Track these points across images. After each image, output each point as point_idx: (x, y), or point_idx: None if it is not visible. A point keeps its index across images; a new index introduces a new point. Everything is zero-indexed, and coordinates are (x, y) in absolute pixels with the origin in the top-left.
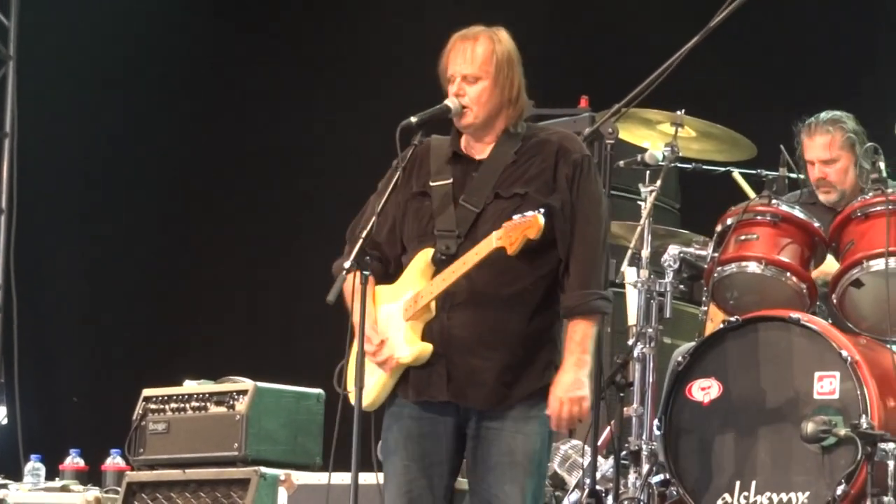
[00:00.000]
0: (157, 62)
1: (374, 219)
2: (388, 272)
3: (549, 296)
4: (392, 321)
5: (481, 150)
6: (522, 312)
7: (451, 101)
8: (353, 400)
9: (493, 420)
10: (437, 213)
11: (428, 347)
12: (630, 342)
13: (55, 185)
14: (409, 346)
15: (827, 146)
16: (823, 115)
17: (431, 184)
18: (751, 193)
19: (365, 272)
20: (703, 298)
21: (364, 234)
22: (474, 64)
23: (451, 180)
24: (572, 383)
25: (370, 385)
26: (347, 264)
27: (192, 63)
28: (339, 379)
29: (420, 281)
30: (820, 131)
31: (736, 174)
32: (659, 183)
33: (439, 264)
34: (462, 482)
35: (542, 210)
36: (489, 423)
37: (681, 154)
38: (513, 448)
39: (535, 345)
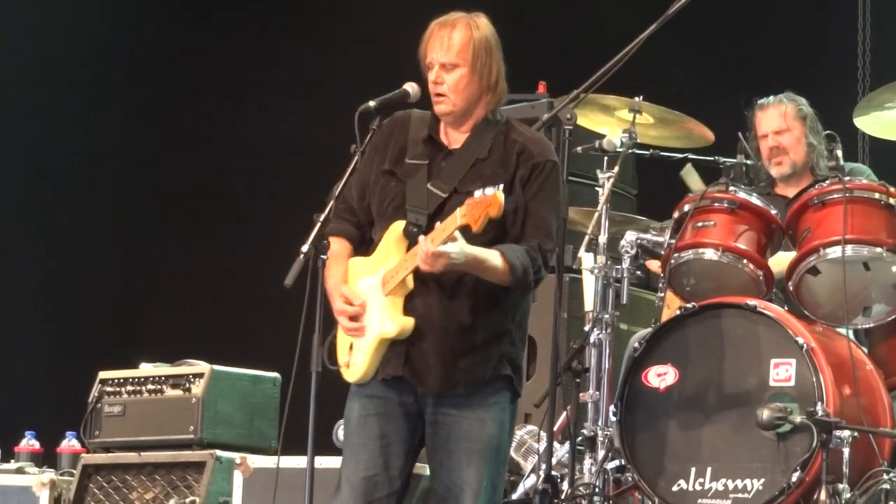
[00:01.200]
0: (113, 48)
1: (332, 202)
2: (365, 238)
3: (498, 289)
4: (371, 295)
5: (457, 139)
6: (469, 300)
7: (409, 86)
8: (346, 375)
9: (451, 406)
10: (409, 191)
11: (410, 321)
12: (586, 328)
13: (11, 170)
14: (392, 321)
15: (781, 115)
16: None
17: (407, 161)
18: (697, 187)
19: (322, 256)
20: (660, 285)
21: (322, 217)
22: (451, 52)
23: (426, 162)
24: (453, 245)
25: (358, 360)
26: (305, 248)
27: (150, 48)
28: (329, 355)
29: (395, 254)
30: (774, 104)
31: (686, 171)
32: (616, 169)
33: (411, 237)
34: (420, 467)
35: (500, 186)
36: (446, 409)
37: (638, 140)
38: (470, 434)
39: (489, 335)
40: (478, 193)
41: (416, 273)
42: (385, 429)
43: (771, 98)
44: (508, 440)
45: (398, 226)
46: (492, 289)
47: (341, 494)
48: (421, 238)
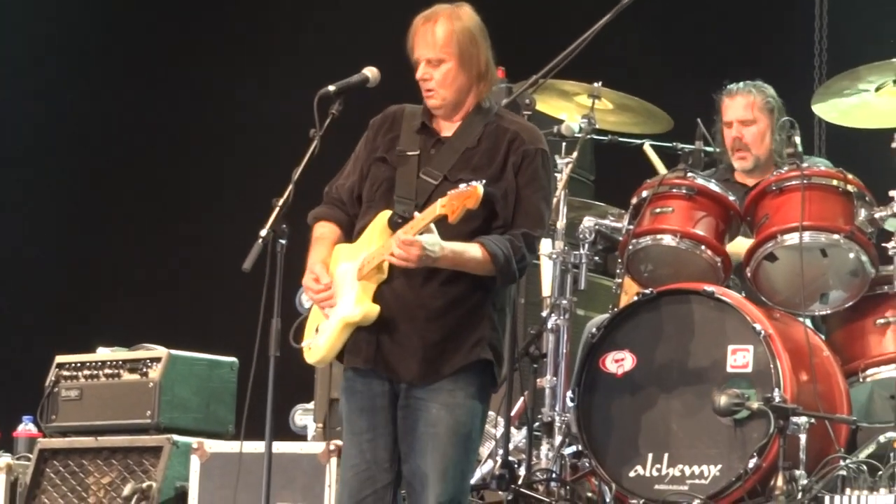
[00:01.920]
0: (69, 34)
1: (290, 187)
2: (354, 227)
3: (476, 276)
4: (346, 279)
5: (449, 128)
6: (443, 286)
7: (368, 71)
8: (307, 356)
9: (422, 392)
10: (399, 180)
11: (375, 308)
12: (544, 313)
13: None
14: (358, 306)
15: (748, 106)
16: (745, 81)
17: (398, 153)
18: (660, 167)
19: (281, 240)
20: (618, 271)
21: (281, 202)
22: (435, 47)
23: (417, 152)
24: (427, 236)
25: (320, 343)
26: (263, 232)
27: (106, 33)
28: (296, 334)
29: (377, 241)
30: (742, 92)
31: (647, 147)
32: (575, 155)
33: (395, 227)
34: None
35: (483, 181)
36: (418, 393)
37: (597, 126)
38: (438, 419)
39: (464, 322)
40: (462, 186)
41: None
42: (371, 422)
43: (741, 84)
44: (480, 428)
45: (384, 215)
46: (469, 276)
47: (340, 492)
48: (399, 231)
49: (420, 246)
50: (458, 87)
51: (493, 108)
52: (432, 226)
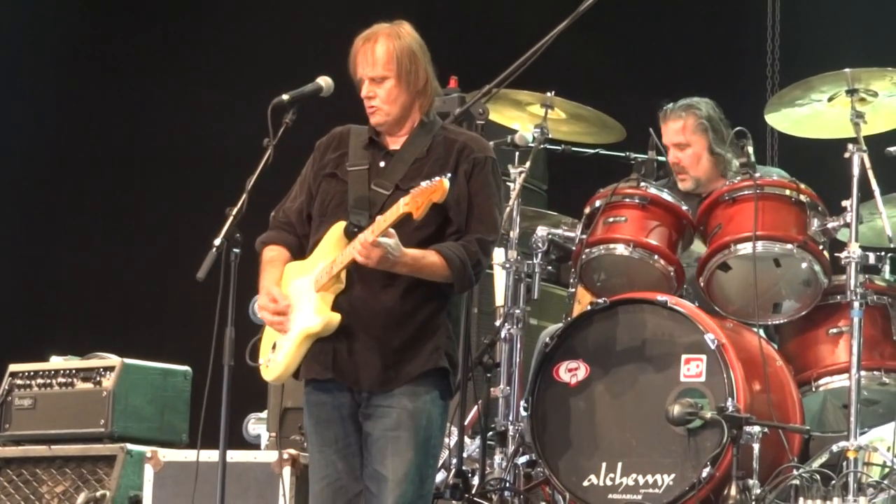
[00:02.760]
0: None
1: (244, 196)
2: (304, 249)
3: (432, 285)
4: (303, 294)
5: (396, 142)
6: (400, 294)
7: (322, 80)
8: (264, 374)
9: (382, 399)
10: (351, 193)
11: (336, 317)
12: (497, 323)
13: None
14: (319, 315)
15: (680, 130)
16: (680, 101)
17: (349, 168)
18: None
19: (235, 249)
20: (571, 280)
21: (234, 211)
22: (376, 65)
23: (367, 166)
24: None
25: (279, 358)
26: (217, 241)
27: (57, 40)
28: (252, 352)
29: (333, 252)
30: (673, 116)
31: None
32: (528, 164)
33: (351, 236)
34: None
35: (448, 175)
36: (378, 400)
37: (550, 136)
38: (398, 424)
39: (421, 329)
40: (425, 182)
41: (349, 270)
42: (337, 433)
43: (672, 106)
44: (439, 435)
45: (339, 226)
46: (426, 284)
47: None
48: (361, 235)
49: (383, 247)
50: (402, 103)
51: (437, 122)
52: (393, 231)
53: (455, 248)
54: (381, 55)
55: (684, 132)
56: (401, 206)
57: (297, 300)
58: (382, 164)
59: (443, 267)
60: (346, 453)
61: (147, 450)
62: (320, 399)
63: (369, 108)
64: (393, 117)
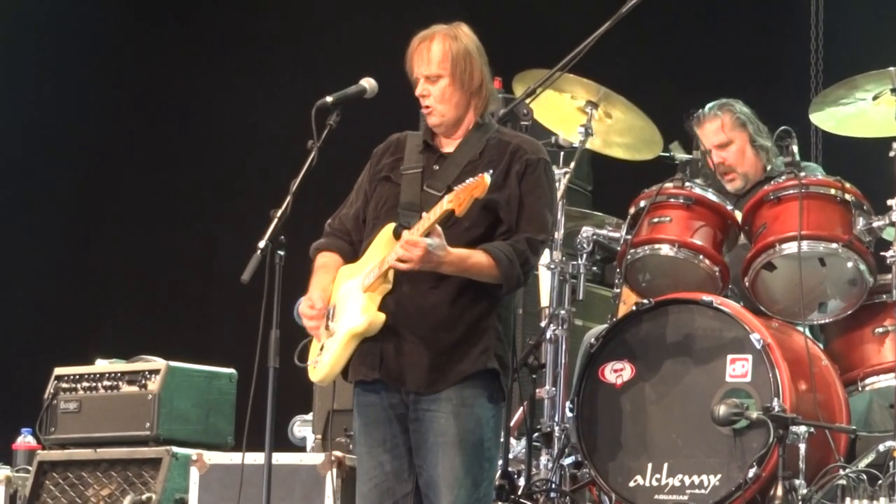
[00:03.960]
0: (65, 40)
1: (289, 198)
2: (358, 254)
3: (481, 285)
4: (351, 295)
5: (450, 144)
6: (448, 294)
7: (366, 82)
8: (311, 374)
9: (430, 402)
10: (403, 194)
11: (381, 316)
12: (543, 324)
13: None
14: (364, 315)
15: (719, 129)
16: (711, 103)
17: (403, 172)
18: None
19: (279, 251)
20: (616, 280)
21: (279, 213)
22: (431, 64)
23: (420, 169)
24: (433, 239)
25: (325, 359)
26: (262, 244)
27: (103, 41)
28: (301, 354)
29: (382, 253)
30: (709, 118)
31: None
32: (572, 165)
33: (401, 237)
34: None
35: (491, 171)
36: (426, 405)
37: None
38: (447, 429)
39: (470, 330)
40: (468, 179)
41: (397, 271)
42: (385, 434)
43: (705, 110)
44: (493, 437)
45: (389, 227)
46: (475, 285)
47: None
48: (405, 233)
49: (423, 246)
50: (455, 102)
51: (492, 125)
52: (439, 230)
53: (503, 248)
54: (437, 54)
55: (724, 129)
56: (444, 204)
57: (344, 301)
58: (436, 167)
59: (490, 266)
60: (395, 454)
61: (192, 452)
62: (369, 400)
63: (424, 107)
64: (448, 118)
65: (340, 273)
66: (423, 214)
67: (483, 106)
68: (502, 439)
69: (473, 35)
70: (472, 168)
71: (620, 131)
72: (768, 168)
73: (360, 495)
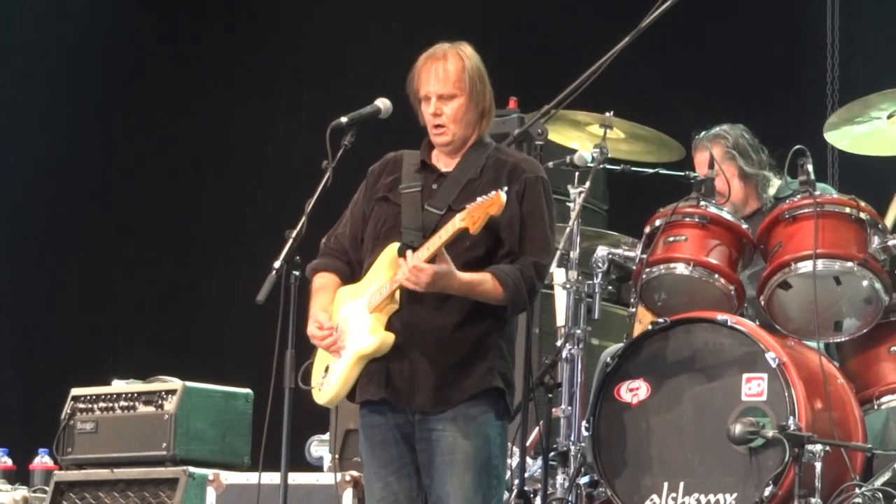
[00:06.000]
0: (82, 64)
1: (303, 218)
2: (356, 274)
3: (485, 306)
4: (355, 316)
5: (448, 163)
6: (454, 314)
7: (381, 102)
8: (316, 397)
9: (436, 421)
10: (404, 214)
11: (390, 336)
12: (558, 343)
13: None
14: (373, 335)
15: (706, 162)
16: (708, 131)
17: (401, 191)
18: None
19: (294, 272)
20: (632, 300)
21: (294, 233)
22: (448, 82)
23: (419, 188)
24: (441, 266)
25: (332, 380)
26: (277, 264)
27: (119, 65)
28: (304, 376)
29: (387, 273)
30: (700, 148)
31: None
32: (588, 184)
33: (405, 255)
34: None
35: (505, 189)
36: (433, 424)
37: (609, 155)
38: (455, 448)
39: (475, 349)
40: (481, 197)
41: (403, 290)
42: (392, 454)
43: (699, 136)
44: (500, 455)
45: (392, 247)
46: (480, 305)
47: None
48: (409, 253)
49: (430, 273)
50: (467, 122)
51: (490, 143)
52: (447, 257)
53: (511, 273)
54: (453, 72)
55: (711, 162)
56: (457, 222)
57: (349, 322)
58: (435, 185)
59: (497, 292)
60: (402, 474)
61: (209, 472)
62: (374, 421)
63: (435, 126)
64: (458, 137)
65: (339, 294)
66: (435, 236)
67: (487, 127)
68: (518, 458)
69: (477, 55)
70: (471, 187)
71: (636, 144)
72: (764, 196)
73: None
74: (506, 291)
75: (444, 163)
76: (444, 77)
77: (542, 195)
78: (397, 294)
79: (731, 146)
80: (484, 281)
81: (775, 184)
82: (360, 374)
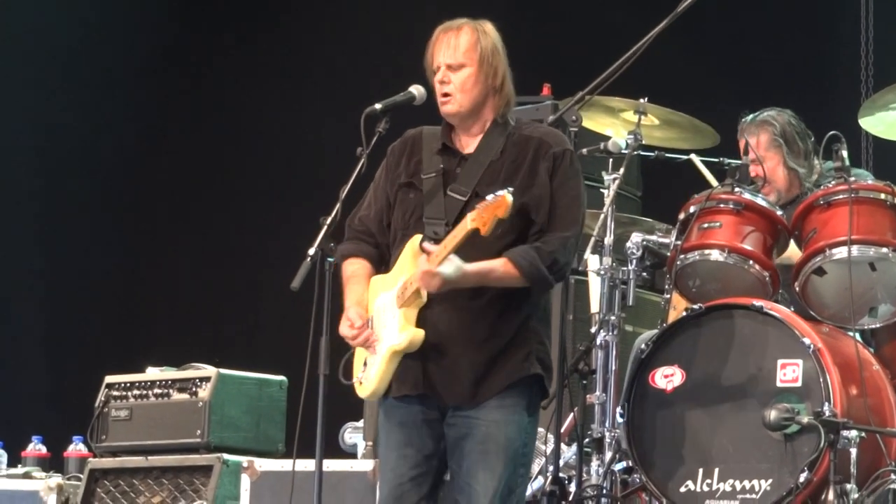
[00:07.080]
0: (119, 49)
1: (338, 205)
2: (385, 258)
3: (517, 291)
4: (387, 310)
5: (469, 144)
6: (486, 305)
7: (415, 89)
8: (359, 391)
9: (469, 409)
10: (427, 202)
11: (420, 333)
12: (593, 330)
13: (12, 173)
14: (403, 332)
15: (755, 146)
16: (754, 115)
17: (423, 177)
18: (710, 179)
19: (329, 259)
20: (666, 286)
21: (329, 220)
22: (457, 52)
23: (440, 172)
24: (447, 266)
25: (371, 375)
26: (311, 251)
27: (157, 51)
28: (345, 371)
29: (411, 267)
30: (748, 132)
31: (694, 158)
32: (622, 171)
33: (424, 250)
34: None
35: (510, 189)
36: (465, 412)
37: (643, 142)
38: (486, 436)
39: (511, 339)
40: (490, 197)
41: None
42: (407, 437)
43: (748, 119)
44: (530, 442)
45: (415, 240)
46: (510, 292)
47: None
48: (422, 258)
49: (440, 277)
50: (476, 94)
51: (509, 124)
52: (453, 256)
53: (525, 254)
54: (464, 43)
55: (759, 148)
56: (468, 223)
57: (382, 315)
58: (458, 169)
59: (513, 275)
60: (409, 459)
61: (243, 459)
62: (405, 404)
63: (442, 94)
64: (465, 108)
65: (373, 283)
66: (446, 238)
67: (502, 106)
68: (553, 445)
69: (497, 33)
70: (494, 168)
71: (670, 130)
72: (805, 186)
73: (380, 496)
74: (522, 274)
75: (464, 143)
76: (455, 46)
77: (569, 168)
78: (423, 291)
79: (778, 133)
80: (495, 268)
81: (818, 170)
82: (397, 369)
